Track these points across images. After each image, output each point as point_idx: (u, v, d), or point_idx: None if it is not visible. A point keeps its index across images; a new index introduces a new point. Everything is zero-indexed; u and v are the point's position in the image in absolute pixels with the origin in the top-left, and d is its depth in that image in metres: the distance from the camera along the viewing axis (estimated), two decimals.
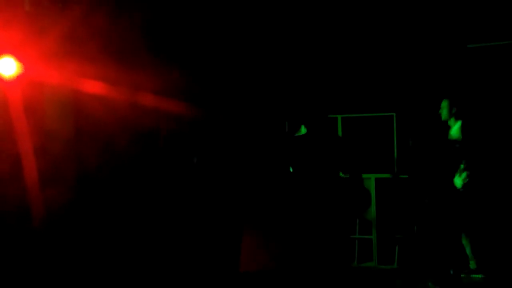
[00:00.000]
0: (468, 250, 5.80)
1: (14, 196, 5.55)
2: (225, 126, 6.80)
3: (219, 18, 7.06)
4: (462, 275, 5.72)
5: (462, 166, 5.65)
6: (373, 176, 6.78)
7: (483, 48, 6.80)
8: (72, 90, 6.08)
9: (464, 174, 5.62)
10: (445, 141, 5.87)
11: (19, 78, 5.65)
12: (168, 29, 6.69)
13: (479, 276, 5.75)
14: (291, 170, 5.17)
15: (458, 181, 5.67)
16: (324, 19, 7.24)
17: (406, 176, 6.62)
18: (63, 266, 5.60)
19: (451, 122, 5.88)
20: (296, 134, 5.61)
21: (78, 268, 5.63)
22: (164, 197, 6.12)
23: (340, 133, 6.98)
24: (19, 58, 5.63)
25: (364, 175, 6.79)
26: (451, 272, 5.64)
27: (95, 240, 5.79)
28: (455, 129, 5.79)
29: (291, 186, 6.07)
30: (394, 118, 6.82)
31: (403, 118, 6.86)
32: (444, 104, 5.91)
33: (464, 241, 5.82)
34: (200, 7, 6.94)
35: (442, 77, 6.91)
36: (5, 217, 5.56)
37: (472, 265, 5.80)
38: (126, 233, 5.92)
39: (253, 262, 6.10)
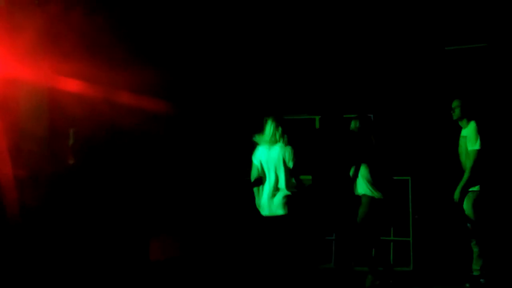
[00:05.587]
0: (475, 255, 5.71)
1: None
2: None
3: (197, 16, 7.08)
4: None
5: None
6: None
7: (460, 50, 6.84)
8: (47, 87, 6.04)
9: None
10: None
11: None
12: (145, 27, 6.68)
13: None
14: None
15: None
16: (300, 22, 7.30)
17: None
18: (37, 262, 5.56)
19: (463, 123, 5.76)
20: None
21: (52, 264, 5.60)
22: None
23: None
24: None
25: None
26: None
27: (69, 237, 5.76)
28: (469, 130, 5.67)
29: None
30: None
31: (381, 119, 6.89)
32: (456, 104, 5.77)
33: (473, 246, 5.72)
34: (178, 5, 6.96)
35: (420, 79, 6.96)
36: None
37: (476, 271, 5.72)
38: (99, 230, 5.91)
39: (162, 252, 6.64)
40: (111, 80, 6.10)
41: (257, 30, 7.38)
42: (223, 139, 7.11)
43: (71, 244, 5.78)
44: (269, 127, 5.49)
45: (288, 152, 5.44)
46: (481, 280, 5.64)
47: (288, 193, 5.40)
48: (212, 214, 7.07)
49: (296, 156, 5.41)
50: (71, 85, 6.01)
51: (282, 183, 5.43)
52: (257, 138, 5.56)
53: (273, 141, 5.48)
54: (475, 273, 5.69)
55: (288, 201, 5.39)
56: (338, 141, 5.60)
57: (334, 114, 5.77)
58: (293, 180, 5.44)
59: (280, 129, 5.48)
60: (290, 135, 5.45)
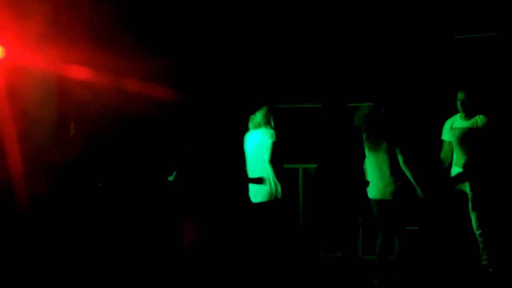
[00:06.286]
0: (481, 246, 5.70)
1: None
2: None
3: (204, 3, 7.07)
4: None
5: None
6: (300, 166, 6.84)
7: (470, 39, 6.81)
8: (55, 75, 6.05)
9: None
10: None
11: (2, 63, 5.61)
12: (153, 15, 6.67)
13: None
14: None
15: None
16: (308, 12, 7.28)
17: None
18: (45, 251, 5.59)
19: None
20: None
21: (61, 254, 5.62)
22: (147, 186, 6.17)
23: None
24: (1, 42, 5.59)
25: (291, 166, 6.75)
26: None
27: (77, 225, 5.78)
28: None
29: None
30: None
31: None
32: (463, 96, 5.71)
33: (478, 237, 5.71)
34: None
35: (429, 68, 6.93)
36: None
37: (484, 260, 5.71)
38: (108, 218, 5.92)
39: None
40: (119, 68, 6.11)
41: (265, 20, 7.35)
42: (231, 128, 7.10)
43: (77, 234, 5.79)
44: (261, 112, 5.51)
45: (268, 136, 5.40)
46: (490, 269, 5.64)
47: (272, 179, 5.36)
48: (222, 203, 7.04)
49: (276, 142, 5.35)
50: (80, 73, 6.02)
51: (266, 169, 5.39)
52: (250, 124, 5.59)
53: (259, 125, 5.49)
54: (483, 263, 5.69)
55: (273, 188, 5.36)
56: (344, 130, 5.53)
57: (340, 103, 5.73)
58: (270, 167, 5.36)
59: (270, 115, 5.49)
60: (297, 124, 5.43)
